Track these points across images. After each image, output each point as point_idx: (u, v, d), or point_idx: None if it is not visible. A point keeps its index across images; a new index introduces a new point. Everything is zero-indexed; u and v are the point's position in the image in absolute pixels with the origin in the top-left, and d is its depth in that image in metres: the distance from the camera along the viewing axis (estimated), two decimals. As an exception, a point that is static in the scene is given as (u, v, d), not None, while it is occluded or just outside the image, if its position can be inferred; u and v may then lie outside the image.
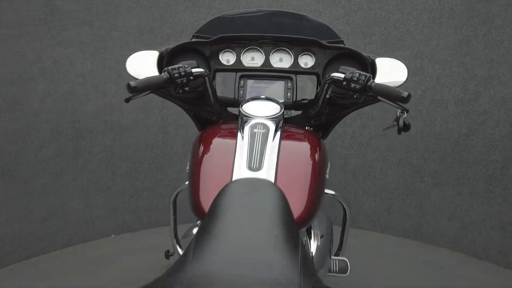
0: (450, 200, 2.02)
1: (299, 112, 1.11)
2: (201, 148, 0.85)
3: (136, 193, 2.17)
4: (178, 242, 1.41)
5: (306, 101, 1.10)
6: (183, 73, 0.94)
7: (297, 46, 1.13)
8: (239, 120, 0.94)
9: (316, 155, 0.85)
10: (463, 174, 1.97)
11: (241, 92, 1.10)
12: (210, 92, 1.05)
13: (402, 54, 2.00)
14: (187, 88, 0.97)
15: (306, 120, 1.14)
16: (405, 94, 0.84)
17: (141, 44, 2.02)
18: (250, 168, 0.77)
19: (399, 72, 1.05)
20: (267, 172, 0.76)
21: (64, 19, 1.83)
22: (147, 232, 2.20)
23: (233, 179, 0.74)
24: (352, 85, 0.94)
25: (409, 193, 2.12)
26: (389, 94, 0.88)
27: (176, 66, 0.95)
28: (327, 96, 1.04)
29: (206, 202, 0.71)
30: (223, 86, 1.11)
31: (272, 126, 0.88)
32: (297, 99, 1.10)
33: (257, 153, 0.80)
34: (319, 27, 1.19)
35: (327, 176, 0.89)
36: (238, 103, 1.08)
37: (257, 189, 0.69)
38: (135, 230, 2.20)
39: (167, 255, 1.56)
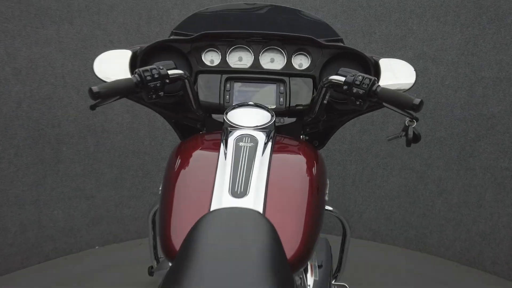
0: (456, 210, 1.92)
1: (293, 120, 1.00)
2: (176, 166, 0.73)
3: (122, 201, 2.06)
4: (157, 259, 1.30)
5: (301, 107, 0.99)
6: (156, 76, 0.82)
7: (290, 45, 1.02)
8: (223, 131, 0.82)
9: (313, 173, 0.73)
10: (469, 182, 1.88)
11: (227, 97, 0.99)
12: (191, 97, 0.94)
13: (404, 54, 1.90)
14: (161, 93, 0.85)
15: (300, 128, 1.03)
16: (416, 101, 0.73)
17: (126, 43, 1.91)
18: (233, 193, 0.64)
19: (406, 75, 0.94)
20: (254, 200, 0.63)
21: (41, 16, 1.70)
22: (133, 243, 2.08)
23: (212, 208, 0.62)
24: (355, 89, 0.82)
25: (412, 201, 2.03)
26: (397, 100, 0.77)
27: (148, 67, 0.83)
28: (325, 101, 0.93)
29: (177, 239, 0.59)
30: (207, 90, 0.99)
31: (261, 138, 0.77)
32: (291, 104, 0.99)
33: (242, 174, 0.68)
34: (315, 23, 1.07)
35: (326, 197, 0.77)
36: (223, 109, 0.97)
37: (240, 223, 0.56)
38: (121, 240, 2.09)
39: (150, 271, 1.44)
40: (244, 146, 0.74)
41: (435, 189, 1.96)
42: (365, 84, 0.81)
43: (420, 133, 0.86)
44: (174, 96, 1.00)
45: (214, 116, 1.00)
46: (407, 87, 0.92)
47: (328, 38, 1.03)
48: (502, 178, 1.80)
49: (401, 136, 0.89)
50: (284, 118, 0.99)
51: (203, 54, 1.02)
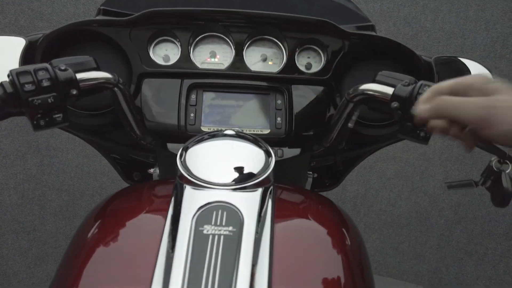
0: (479, 241, 1.71)
1: (297, 151, 0.68)
2: (82, 253, 0.43)
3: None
4: None
5: (311, 132, 0.67)
6: (46, 83, 0.48)
7: (293, 33, 0.69)
8: (174, 192, 0.48)
9: (353, 262, 0.44)
10: (496, 210, 1.66)
11: (191, 115, 0.65)
12: (129, 115, 0.60)
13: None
14: (59, 116, 0.50)
15: (308, 164, 0.72)
16: None
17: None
18: None
19: None
20: None
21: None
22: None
23: None
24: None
25: (424, 230, 1.82)
26: None
27: (30, 67, 0.48)
28: (350, 125, 0.62)
29: None
30: (157, 105, 0.66)
31: (250, 213, 0.43)
32: (294, 128, 0.66)
33: None
34: (333, 3, 0.76)
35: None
36: (185, 135, 0.64)
37: None
38: None
39: None
40: (213, 234, 0.40)
41: (452, 216, 1.75)
42: None
43: None
44: (101, 115, 0.66)
45: (170, 146, 0.66)
46: None
47: (352, 24, 0.70)
48: (537, 205, 1.55)
49: (478, 185, 0.56)
50: (283, 149, 0.66)
51: (152, 46, 0.68)
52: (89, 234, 0.47)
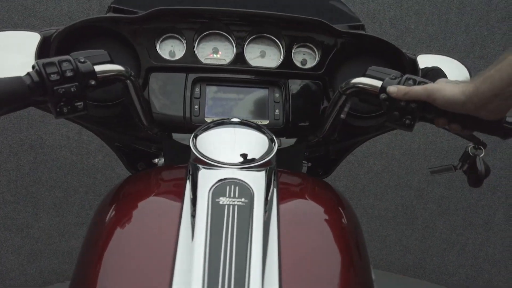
0: (460, 232, 1.77)
1: (293, 141, 0.73)
2: (108, 225, 0.45)
3: (68, 230, 1.72)
4: None
5: (306, 122, 0.72)
6: (70, 74, 0.52)
7: (290, 31, 0.74)
8: (188, 173, 0.52)
9: (352, 239, 0.50)
10: (476, 202, 1.72)
11: (196, 107, 0.70)
12: (138, 108, 0.64)
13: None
14: (80, 104, 0.53)
15: (303, 153, 0.76)
16: (510, 118, 0.51)
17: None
18: None
19: (455, 78, 0.69)
20: None
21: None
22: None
23: None
24: (402, 101, 0.55)
25: (410, 223, 1.86)
26: (475, 119, 0.52)
27: (55, 59, 0.52)
28: (342, 115, 0.66)
29: None
30: (164, 97, 0.70)
31: (258, 186, 0.48)
32: (291, 119, 0.71)
33: (229, 261, 0.38)
34: (325, 3, 0.80)
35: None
36: (190, 126, 0.68)
37: None
38: (67, 279, 1.75)
39: None
40: (228, 204, 0.45)
41: (436, 209, 1.80)
42: None
43: (488, 165, 0.59)
44: (112, 106, 0.69)
45: (176, 136, 0.70)
46: None
47: (344, 24, 0.75)
48: (514, 197, 1.64)
49: (456, 169, 0.62)
50: (281, 139, 0.71)
51: (159, 42, 0.72)
52: (107, 220, 0.49)
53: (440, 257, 1.81)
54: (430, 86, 0.53)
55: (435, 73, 0.72)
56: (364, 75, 0.61)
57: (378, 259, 1.91)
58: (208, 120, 0.69)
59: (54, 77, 0.50)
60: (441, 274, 1.81)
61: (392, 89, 0.55)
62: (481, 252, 1.73)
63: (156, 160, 0.78)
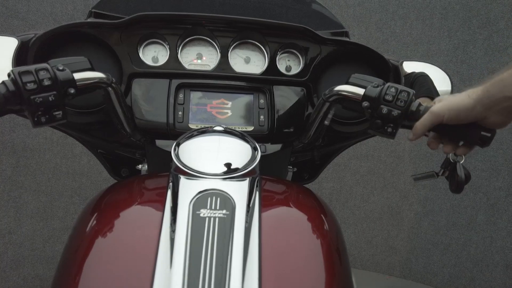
0: (444, 232, 1.79)
1: (278, 147, 0.72)
2: (82, 247, 0.44)
3: (53, 235, 1.68)
4: None
5: (291, 129, 0.71)
6: (47, 83, 0.50)
7: (275, 38, 0.74)
8: (169, 183, 0.51)
9: (331, 245, 0.49)
10: (459, 202, 1.74)
11: (179, 113, 0.68)
12: (120, 115, 0.63)
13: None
14: (59, 113, 0.52)
15: (288, 159, 0.76)
16: (487, 133, 0.52)
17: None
18: None
19: (437, 84, 0.71)
20: None
21: None
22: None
23: None
24: (385, 109, 0.55)
25: (395, 223, 1.88)
26: (455, 128, 0.53)
27: (32, 67, 0.50)
28: (326, 122, 0.67)
29: None
30: (147, 103, 0.68)
31: (240, 197, 0.48)
32: (276, 125, 0.71)
33: (210, 278, 0.39)
34: (309, 8, 0.80)
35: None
36: (174, 132, 0.67)
37: None
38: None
39: None
40: (209, 217, 0.44)
41: (420, 210, 1.82)
42: (401, 101, 0.55)
43: (469, 171, 0.60)
44: (94, 112, 0.68)
45: (160, 143, 0.68)
46: None
47: (328, 31, 0.75)
48: (495, 198, 1.67)
49: (438, 176, 0.63)
50: (266, 145, 0.70)
51: (141, 48, 0.71)
52: (88, 228, 0.48)
53: (425, 257, 1.83)
54: (434, 107, 0.53)
55: (423, 80, 0.72)
56: (347, 83, 0.61)
57: (365, 260, 1.92)
58: (192, 126, 0.68)
59: (30, 86, 0.48)
60: (426, 274, 1.83)
61: (411, 137, 0.56)
62: (464, 251, 1.76)
63: (140, 166, 0.76)
